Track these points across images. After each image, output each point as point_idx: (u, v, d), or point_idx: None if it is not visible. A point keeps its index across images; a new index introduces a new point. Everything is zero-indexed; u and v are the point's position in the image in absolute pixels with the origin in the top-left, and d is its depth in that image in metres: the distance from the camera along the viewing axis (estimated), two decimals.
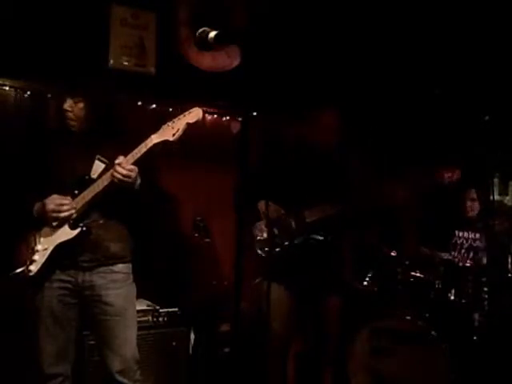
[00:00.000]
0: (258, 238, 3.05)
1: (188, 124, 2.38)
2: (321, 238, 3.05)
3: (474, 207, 3.98)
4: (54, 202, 2.43)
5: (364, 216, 3.17)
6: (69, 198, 2.45)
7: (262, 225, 3.05)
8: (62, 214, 2.42)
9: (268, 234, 3.04)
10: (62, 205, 2.42)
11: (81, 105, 2.50)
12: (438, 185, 3.17)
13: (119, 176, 2.36)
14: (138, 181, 2.43)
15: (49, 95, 3.67)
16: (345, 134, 3.16)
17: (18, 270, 2.44)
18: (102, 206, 2.48)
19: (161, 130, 2.40)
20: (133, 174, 2.38)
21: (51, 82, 3.52)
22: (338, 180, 3.09)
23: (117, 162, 2.38)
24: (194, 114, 2.39)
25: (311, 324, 3.20)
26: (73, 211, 2.43)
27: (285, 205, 3.06)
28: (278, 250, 3.02)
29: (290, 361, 3.21)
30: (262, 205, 3.01)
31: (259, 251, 3.03)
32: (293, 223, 3.06)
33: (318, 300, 3.12)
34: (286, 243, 3.03)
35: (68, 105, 2.50)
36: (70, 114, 2.51)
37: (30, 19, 3.58)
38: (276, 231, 3.05)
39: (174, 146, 2.41)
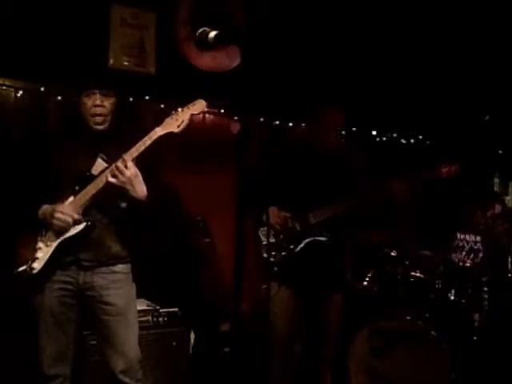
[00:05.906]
0: (264, 242, 3.05)
1: (192, 115, 2.34)
2: (324, 239, 3.06)
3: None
4: (63, 211, 2.37)
5: (367, 215, 3.17)
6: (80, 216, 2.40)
7: (266, 229, 3.04)
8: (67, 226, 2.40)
9: (274, 238, 3.04)
10: (71, 216, 2.38)
11: (112, 99, 2.43)
12: (436, 178, 3.14)
13: (119, 178, 2.34)
14: (145, 192, 2.39)
15: (49, 95, 3.66)
16: (347, 133, 3.17)
17: (21, 269, 2.42)
18: (104, 206, 2.47)
19: (164, 123, 2.36)
20: (132, 180, 2.34)
21: (51, 82, 3.52)
22: (341, 180, 3.09)
23: (124, 156, 2.34)
24: (198, 106, 2.36)
25: (312, 324, 3.21)
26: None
27: (289, 207, 3.06)
28: (284, 253, 3.03)
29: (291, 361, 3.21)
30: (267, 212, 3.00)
31: (265, 255, 3.03)
32: (297, 226, 3.06)
33: (322, 300, 3.13)
34: (292, 246, 3.03)
35: (98, 100, 2.39)
36: (100, 109, 2.41)
37: (30, 19, 3.58)
38: (281, 235, 3.06)
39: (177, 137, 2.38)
